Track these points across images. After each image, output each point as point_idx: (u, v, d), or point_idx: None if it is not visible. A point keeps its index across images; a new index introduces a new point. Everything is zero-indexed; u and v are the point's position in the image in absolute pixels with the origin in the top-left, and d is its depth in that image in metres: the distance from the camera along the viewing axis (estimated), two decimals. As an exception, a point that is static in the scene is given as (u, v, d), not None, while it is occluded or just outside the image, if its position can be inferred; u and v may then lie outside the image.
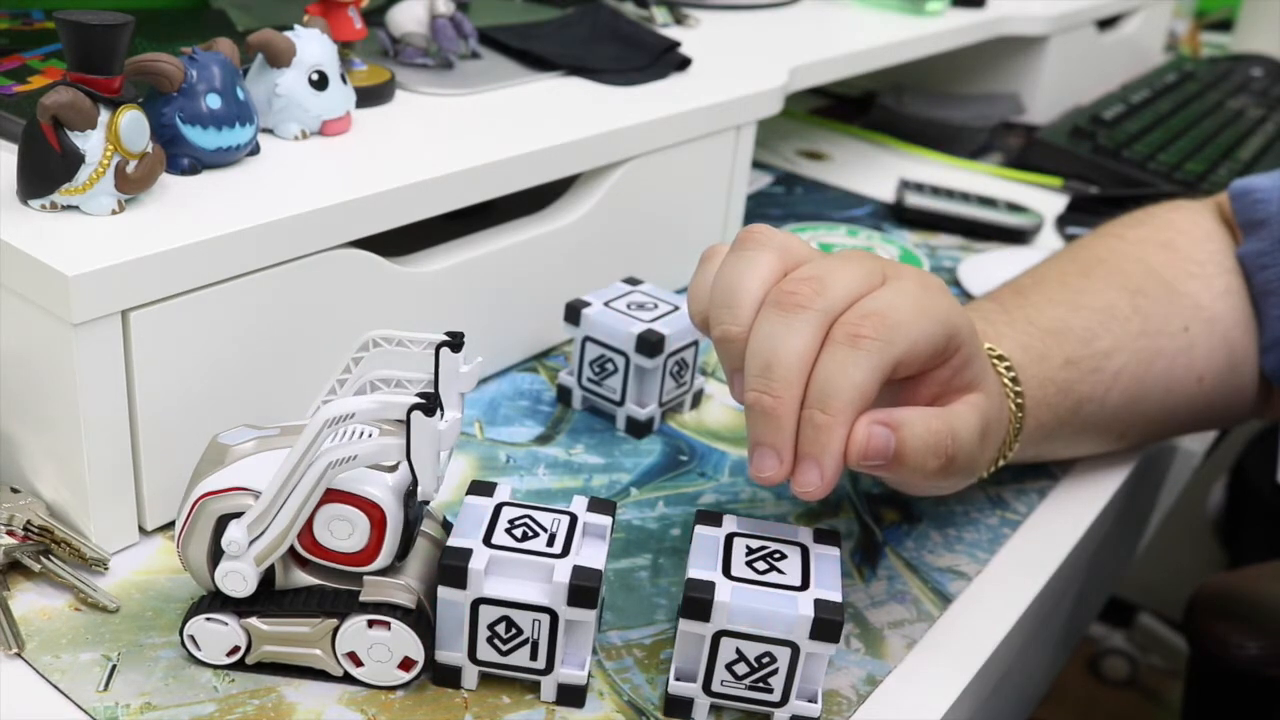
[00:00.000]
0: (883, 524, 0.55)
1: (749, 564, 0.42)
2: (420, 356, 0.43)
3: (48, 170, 0.45)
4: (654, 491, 0.56)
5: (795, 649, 0.41)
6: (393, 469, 0.41)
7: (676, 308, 0.60)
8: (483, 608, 0.41)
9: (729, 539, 0.44)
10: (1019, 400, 0.51)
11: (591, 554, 0.42)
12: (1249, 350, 0.61)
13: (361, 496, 0.40)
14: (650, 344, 0.57)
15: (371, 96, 0.61)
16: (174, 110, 0.50)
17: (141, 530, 0.49)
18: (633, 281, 0.63)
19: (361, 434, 0.41)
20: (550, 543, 0.42)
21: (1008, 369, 0.51)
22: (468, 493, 0.44)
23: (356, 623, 0.41)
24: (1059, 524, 0.57)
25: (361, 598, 0.42)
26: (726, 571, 0.42)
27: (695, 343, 0.60)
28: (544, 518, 0.43)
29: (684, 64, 0.73)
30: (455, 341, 0.43)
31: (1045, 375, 0.54)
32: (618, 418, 0.60)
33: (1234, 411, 0.63)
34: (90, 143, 0.45)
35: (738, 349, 0.42)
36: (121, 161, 0.46)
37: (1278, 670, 0.73)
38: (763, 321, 0.42)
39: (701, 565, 0.42)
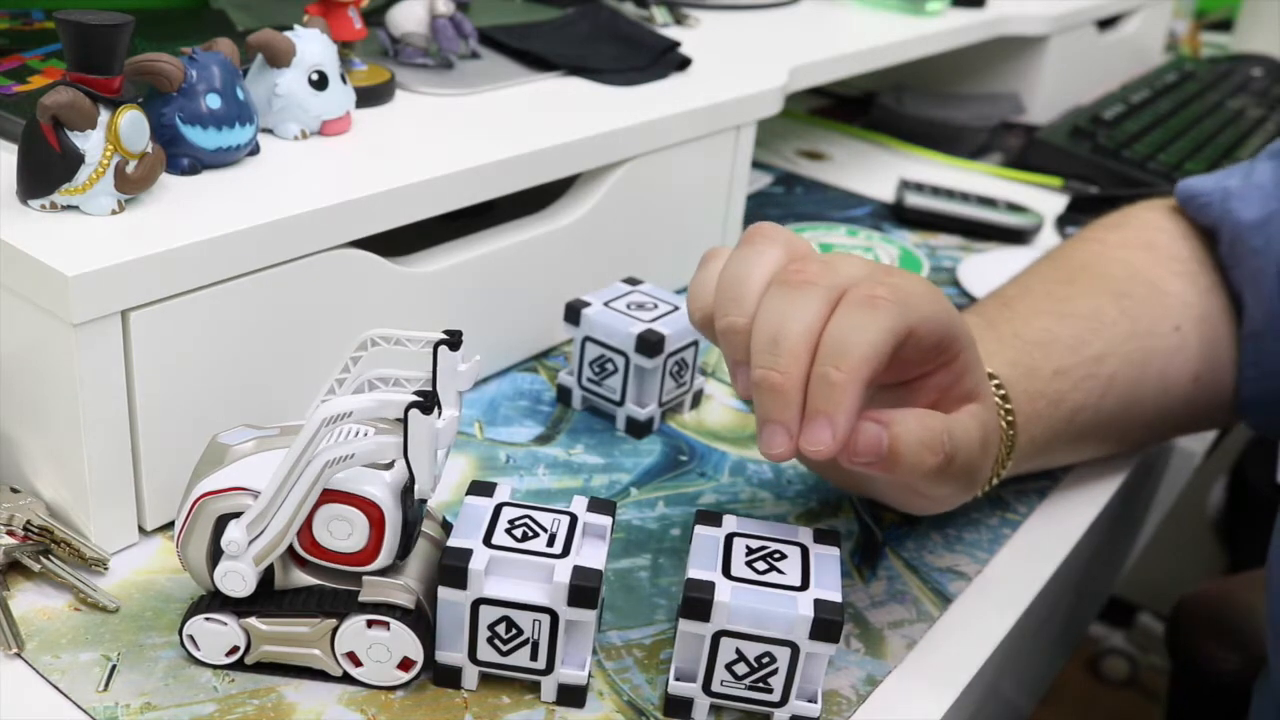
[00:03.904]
0: (883, 524, 0.55)
1: (749, 564, 0.42)
2: (418, 355, 0.43)
3: (47, 170, 0.45)
4: (654, 491, 0.56)
5: (795, 649, 0.41)
6: (392, 468, 0.41)
7: (676, 308, 0.60)
8: (483, 608, 0.41)
9: (729, 539, 0.44)
10: (1009, 418, 0.51)
11: (591, 554, 0.42)
12: (1232, 347, 0.61)
13: (360, 496, 0.40)
14: (650, 344, 0.57)
15: (371, 96, 0.61)
16: (174, 110, 0.50)
17: (141, 530, 0.49)
18: (633, 281, 0.63)
19: (359, 433, 0.41)
20: (550, 543, 0.42)
21: (997, 387, 0.51)
22: (468, 493, 0.44)
23: (355, 623, 0.41)
24: (1059, 524, 0.57)
25: (360, 598, 0.42)
26: (726, 571, 0.42)
27: (695, 343, 0.60)
28: (544, 518, 0.43)
29: (684, 64, 0.73)
30: (453, 340, 0.43)
31: (1035, 389, 0.53)
32: (618, 418, 0.60)
33: (1229, 410, 0.63)
34: (90, 143, 0.45)
35: (742, 340, 0.42)
36: (121, 161, 0.46)
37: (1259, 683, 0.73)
38: (768, 300, 0.41)
39: (701, 565, 0.42)
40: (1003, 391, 0.51)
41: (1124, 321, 0.57)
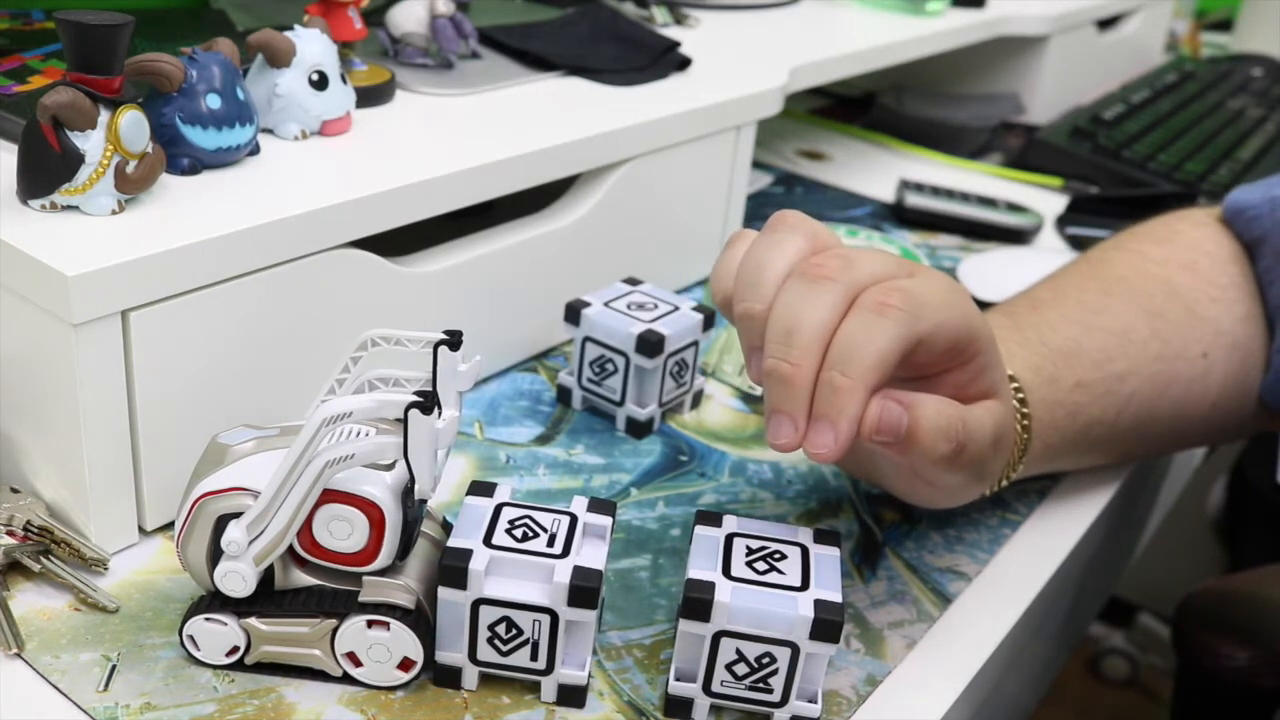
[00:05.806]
0: (883, 524, 0.55)
1: (749, 564, 0.42)
2: (419, 355, 0.43)
3: (48, 170, 0.45)
4: (654, 491, 0.56)
5: (795, 649, 0.41)
6: (392, 468, 0.41)
7: (676, 308, 0.60)
8: (483, 608, 0.41)
9: (729, 539, 0.44)
10: (1025, 423, 0.51)
11: (591, 554, 0.42)
12: (1261, 374, 0.60)
13: (360, 496, 0.40)
14: (650, 344, 0.57)
15: (371, 96, 0.61)
16: (174, 110, 0.50)
17: (141, 530, 0.49)
18: (633, 281, 0.63)
19: (359, 433, 0.41)
20: (550, 543, 0.42)
21: (1016, 390, 0.51)
22: (468, 493, 0.44)
23: (355, 623, 0.41)
24: (1059, 524, 0.57)
25: (360, 598, 0.42)
26: (726, 572, 0.42)
27: (695, 343, 0.60)
28: (544, 518, 0.43)
29: (684, 64, 0.73)
30: (453, 340, 0.43)
31: (1055, 398, 0.53)
32: (618, 418, 0.60)
33: (1241, 431, 0.63)
34: (90, 143, 0.45)
35: (758, 326, 0.42)
36: (121, 161, 0.46)
37: (1267, 681, 0.73)
38: (786, 291, 0.42)
39: (701, 565, 0.42)
40: (1021, 395, 0.51)
41: (1154, 343, 0.57)
